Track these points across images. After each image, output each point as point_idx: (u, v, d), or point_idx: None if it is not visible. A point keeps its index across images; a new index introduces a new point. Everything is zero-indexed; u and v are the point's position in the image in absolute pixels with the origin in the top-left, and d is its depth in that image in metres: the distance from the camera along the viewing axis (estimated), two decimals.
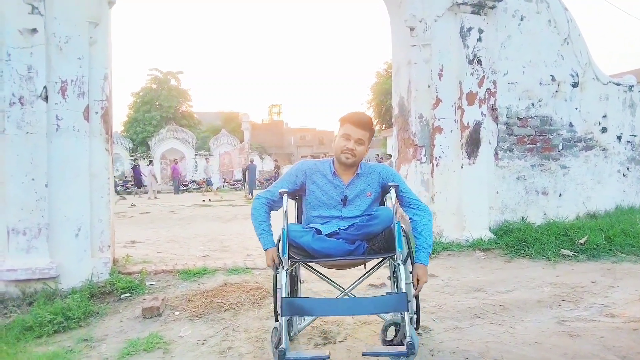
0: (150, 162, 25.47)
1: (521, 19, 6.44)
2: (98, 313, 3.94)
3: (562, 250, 5.51)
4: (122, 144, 30.15)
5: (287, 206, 2.76)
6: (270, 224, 2.99)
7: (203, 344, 3.25)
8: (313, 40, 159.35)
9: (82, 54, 4.45)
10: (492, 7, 6.13)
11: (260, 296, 4.17)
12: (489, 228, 6.13)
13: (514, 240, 5.80)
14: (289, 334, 2.64)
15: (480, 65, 6.08)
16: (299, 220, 3.17)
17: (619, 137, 7.13)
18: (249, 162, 21.96)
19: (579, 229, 5.93)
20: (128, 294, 4.29)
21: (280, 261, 2.73)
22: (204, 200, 18.63)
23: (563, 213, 6.61)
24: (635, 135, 7.25)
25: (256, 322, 3.60)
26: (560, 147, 6.75)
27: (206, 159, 29.16)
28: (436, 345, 2.95)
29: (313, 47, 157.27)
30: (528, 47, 6.49)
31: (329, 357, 2.36)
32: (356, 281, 2.96)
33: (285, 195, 2.81)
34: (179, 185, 26.67)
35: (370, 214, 2.82)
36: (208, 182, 26.50)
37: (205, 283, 4.62)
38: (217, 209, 14.91)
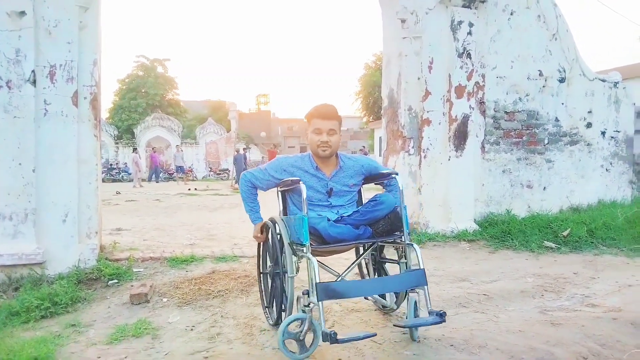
0: (135, 149, 25.16)
1: (511, 14, 6.50)
2: (85, 299, 3.94)
3: (545, 242, 5.62)
4: (107, 131, 29.79)
5: (305, 194, 2.79)
6: (257, 203, 3.29)
7: (192, 329, 3.27)
8: (302, 31, 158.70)
9: (72, 39, 4.40)
10: (483, 1, 6.17)
11: (248, 284, 4.19)
12: (474, 220, 6.22)
13: (499, 232, 5.90)
14: (300, 334, 2.66)
15: (470, 58, 6.12)
16: (285, 212, 3.24)
17: (603, 133, 7.25)
18: (236, 152, 21.85)
19: (562, 221, 6.05)
20: (115, 281, 4.29)
21: (266, 237, 3.15)
22: (189, 189, 18.54)
23: (547, 206, 6.72)
24: (619, 131, 7.37)
25: (244, 309, 3.63)
26: (546, 142, 6.85)
27: (177, 147, 28.13)
28: (422, 333, 3.00)
29: (302, 37, 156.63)
30: (517, 42, 6.55)
31: (376, 334, 2.67)
32: (350, 266, 3.16)
33: (302, 184, 2.82)
34: (159, 174, 26.19)
35: (375, 200, 2.96)
36: (180, 170, 25.84)
37: (193, 270, 4.64)
38: (203, 197, 14.85)
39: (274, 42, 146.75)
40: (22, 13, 4.20)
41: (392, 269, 3.37)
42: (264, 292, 3.44)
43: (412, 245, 2.89)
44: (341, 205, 3.12)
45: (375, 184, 3.38)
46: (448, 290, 4.08)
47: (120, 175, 27.52)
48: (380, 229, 2.92)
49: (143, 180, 22.88)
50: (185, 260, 4.88)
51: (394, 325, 2.99)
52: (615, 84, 7.32)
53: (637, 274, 4.53)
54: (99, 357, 2.86)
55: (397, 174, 3.15)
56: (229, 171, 26.99)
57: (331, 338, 2.36)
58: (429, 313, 2.71)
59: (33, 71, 4.25)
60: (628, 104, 7.42)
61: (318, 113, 3.10)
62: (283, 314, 2.95)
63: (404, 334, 3.02)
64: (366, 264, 3.61)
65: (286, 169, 3.13)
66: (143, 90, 38.90)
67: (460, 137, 6.12)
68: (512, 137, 6.66)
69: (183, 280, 4.33)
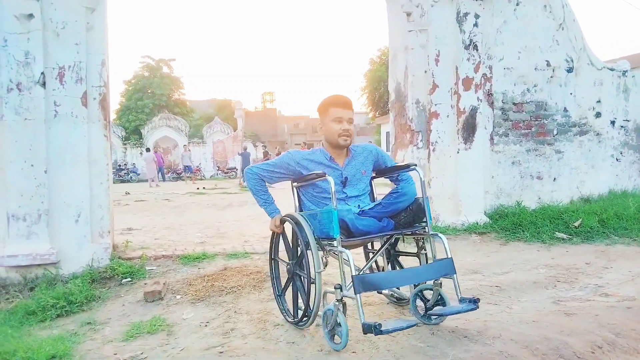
0: (148, 149, 25.26)
1: (517, 4, 6.46)
2: (100, 297, 3.98)
3: (556, 233, 5.60)
4: (114, 132, 29.90)
5: (334, 186, 2.76)
6: (270, 194, 3.25)
7: (206, 325, 3.30)
8: (306, 28, 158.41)
9: (79, 40, 4.44)
10: None
11: (261, 279, 4.22)
12: (485, 212, 6.20)
13: (509, 224, 5.88)
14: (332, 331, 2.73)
15: (477, 50, 6.10)
16: (300, 208, 3.24)
17: (613, 122, 7.19)
18: (243, 150, 21.90)
19: (573, 212, 6.02)
20: (129, 279, 4.33)
21: (283, 229, 3.16)
22: (198, 188, 18.61)
23: (557, 197, 6.69)
24: (628, 120, 7.31)
25: (257, 305, 3.65)
26: (555, 132, 6.81)
27: (184, 146, 28.39)
28: (436, 325, 3.01)
29: (306, 34, 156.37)
30: (524, 33, 6.51)
31: (418, 324, 2.76)
32: (371, 258, 3.22)
33: (329, 177, 2.79)
34: (163, 174, 26.29)
35: (397, 192, 2.98)
36: (188, 169, 26.11)
37: (205, 267, 4.66)
38: (212, 196, 14.91)
39: (279, 40, 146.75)
40: (30, 16, 4.24)
41: (404, 262, 3.42)
42: (274, 280, 3.43)
43: (437, 235, 2.91)
44: (356, 196, 3.10)
45: (391, 176, 3.33)
46: (460, 282, 4.00)
47: (129, 176, 27.67)
48: (403, 220, 2.92)
49: (152, 180, 22.97)
50: (197, 257, 4.91)
51: (427, 315, 3.00)
52: (624, 72, 7.26)
53: None
54: (116, 354, 2.89)
55: (415, 165, 3.10)
56: (237, 169, 27.05)
57: (375, 329, 2.37)
58: (460, 301, 2.75)
59: (42, 73, 4.29)
60: (637, 92, 7.35)
61: (337, 102, 3.09)
62: (305, 318, 2.97)
63: (417, 325, 3.02)
64: (382, 258, 3.56)
65: (300, 161, 3.11)
66: (149, 91, 39.04)
67: (468, 129, 6.10)
68: (520, 129, 6.63)
69: (196, 277, 4.36)
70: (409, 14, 6.03)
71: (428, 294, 3.04)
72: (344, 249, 2.65)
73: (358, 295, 2.52)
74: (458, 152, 6.08)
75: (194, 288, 4.06)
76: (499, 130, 6.50)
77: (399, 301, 3.46)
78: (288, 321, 3.18)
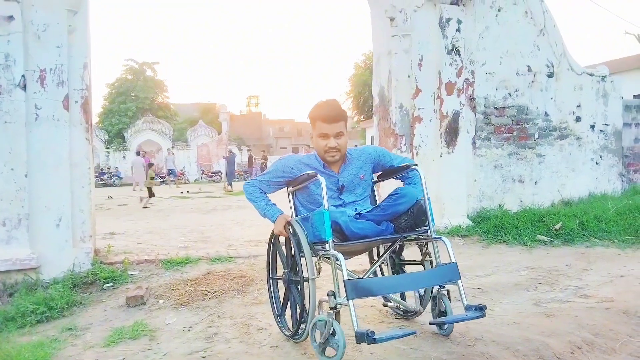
0: (137, 153, 25.04)
1: (499, 10, 6.55)
2: (81, 303, 3.94)
3: (537, 235, 5.66)
4: (97, 136, 29.63)
5: (325, 186, 2.61)
6: (269, 199, 3.04)
7: (189, 330, 3.28)
8: (291, 32, 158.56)
9: (61, 43, 4.40)
10: None
11: (244, 283, 4.21)
12: (467, 215, 6.26)
13: (492, 226, 5.94)
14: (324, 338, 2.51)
15: (459, 55, 6.17)
16: (296, 215, 3.07)
17: (592, 127, 7.32)
18: (228, 153, 21.82)
19: (554, 215, 6.10)
20: (111, 284, 4.29)
21: (292, 232, 2.79)
22: (182, 192, 18.50)
23: (539, 200, 6.78)
24: (607, 125, 7.45)
25: (241, 309, 3.64)
26: (536, 136, 6.91)
27: (167, 150, 28.32)
28: (419, 327, 3.03)
29: (291, 38, 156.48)
30: (505, 38, 6.61)
31: (416, 333, 2.63)
32: (373, 265, 3.00)
33: (321, 177, 2.64)
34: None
35: (397, 194, 2.79)
36: (171, 173, 26.04)
37: (188, 272, 4.64)
38: (196, 200, 14.84)
39: (264, 44, 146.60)
40: (11, 17, 4.19)
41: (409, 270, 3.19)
42: (274, 300, 3.20)
43: (440, 238, 2.72)
44: (354, 202, 2.94)
45: (398, 178, 3.14)
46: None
47: (112, 180, 27.41)
48: (403, 224, 2.75)
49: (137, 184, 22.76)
50: (181, 262, 4.88)
51: (430, 324, 2.83)
52: (603, 77, 7.39)
53: (629, 264, 4.59)
54: None
55: (416, 165, 2.94)
56: (221, 173, 26.96)
57: (368, 338, 2.20)
58: (466, 308, 2.56)
59: (23, 76, 4.24)
60: (616, 97, 7.50)
61: (322, 116, 2.87)
62: (303, 325, 2.76)
63: (415, 335, 3.04)
64: (385, 266, 3.34)
65: (294, 166, 2.96)
66: (133, 94, 38.76)
67: (451, 133, 6.16)
68: (502, 133, 6.72)
69: (179, 281, 4.33)
70: (392, 19, 6.08)
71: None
72: (335, 252, 2.49)
73: (351, 301, 2.34)
74: (441, 156, 6.13)
75: (177, 293, 4.04)
76: (481, 135, 6.57)
77: (405, 314, 3.22)
78: (286, 335, 2.98)
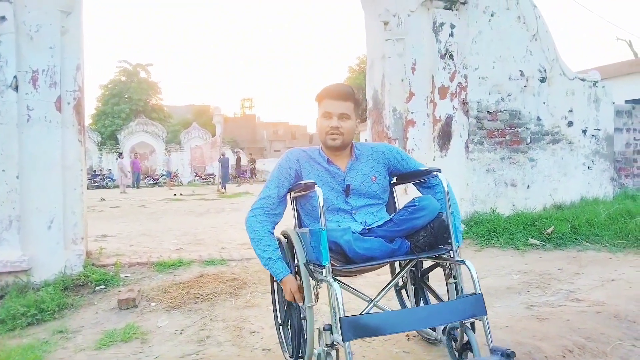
0: (120, 154, 24.98)
1: (492, 15, 6.59)
2: (72, 305, 3.91)
3: (530, 239, 5.69)
4: (90, 138, 29.48)
5: (322, 200, 2.18)
6: (277, 247, 2.48)
7: (181, 333, 3.27)
8: (286, 34, 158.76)
9: (54, 44, 4.37)
10: (464, 3, 6.26)
11: (237, 286, 4.20)
12: (460, 219, 6.27)
13: (484, 230, 5.96)
14: None
15: (452, 59, 6.20)
16: (299, 224, 2.61)
17: (584, 131, 7.37)
18: (221, 156, 21.78)
19: (546, 219, 6.13)
20: (103, 286, 4.26)
21: (302, 295, 2.32)
22: (175, 195, 18.43)
23: (531, 204, 6.82)
24: (599, 130, 7.51)
25: (233, 312, 3.63)
26: (529, 141, 6.95)
27: (168, 152, 28.72)
28: (423, 337, 3.02)
29: (286, 40, 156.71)
30: (498, 43, 6.65)
31: None
32: (384, 288, 2.48)
33: (318, 188, 2.22)
34: (139, 180, 26.14)
35: (414, 205, 2.34)
36: (168, 174, 26.38)
37: (181, 275, 4.62)
38: (189, 202, 14.78)
39: (258, 46, 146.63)
40: (3, 18, 4.16)
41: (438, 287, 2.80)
42: (284, 343, 2.76)
43: (464, 262, 2.30)
44: (365, 206, 2.50)
45: (416, 183, 2.68)
46: (435, 289, 4.10)
47: (105, 182, 27.27)
48: (421, 241, 2.31)
49: (128, 186, 22.69)
50: (173, 264, 4.86)
51: None
52: (595, 83, 7.46)
53: (620, 268, 4.62)
54: None
55: (439, 170, 2.47)
56: (215, 176, 26.92)
57: None
58: (491, 351, 2.13)
59: (15, 77, 4.21)
60: (607, 102, 7.57)
61: (328, 93, 2.48)
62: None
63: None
64: (405, 284, 2.99)
65: (298, 158, 2.53)
66: (126, 96, 38.63)
67: (444, 137, 6.19)
68: (495, 137, 6.75)
69: (171, 284, 4.31)
70: (386, 23, 6.10)
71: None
72: (331, 280, 2.10)
73: (347, 343, 1.98)
74: (434, 160, 6.15)
75: (169, 295, 4.02)
76: (474, 139, 6.60)
77: (427, 338, 2.89)
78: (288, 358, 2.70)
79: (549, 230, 5.79)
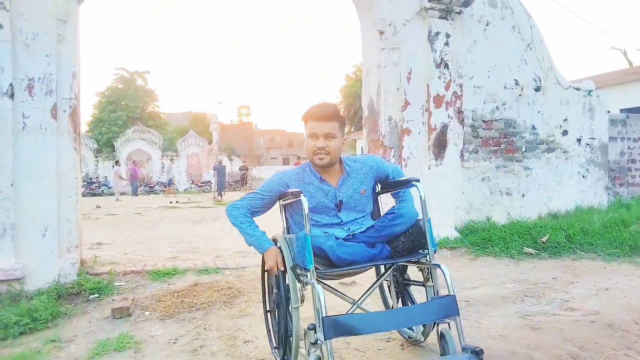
0: (117, 162, 24.94)
1: (487, 25, 6.64)
2: (66, 314, 3.88)
3: (525, 248, 5.70)
4: (86, 145, 29.42)
5: (307, 207, 2.36)
6: (257, 226, 2.70)
7: (174, 343, 3.25)
8: (283, 42, 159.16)
9: (50, 52, 4.38)
10: (459, 13, 6.30)
11: (232, 295, 4.18)
12: (455, 227, 6.29)
13: (479, 239, 5.97)
14: None
15: (447, 69, 6.23)
16: (288, 231, 2.81)
17: (579, 140, 7.41)
18: (218, 163, 21.79)
19: (541, 228, 6.14)
20: (96, 295, 4.24)
21: (284, 265, 2.51)
22: (171, 202, 18.40)
23: (526, 213, 6.83)
24: (594, 138, 7.55)
25: (228, 321, 3.61)
26: (524, 149, 6.98)
27: (170, 159, 28.95)
28: (404, 339, 3.03)
29: (283, 48, 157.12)
30: (493, 52, 6.69)
31: None
32: (367, 290, 2.67)
33: (303, 196, 2.39)
34: (138, 187, 26.11)
35: (393, 213, 2.55)
36: (167, 183, 26.56)
37: (175, 283, 4.60)
38: (185, 210, 14.75)
39: (256, 54, 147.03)
40: None
41: (416, 290, 2.90)
42: (271, 332, 2.91)
43: (438, 266, 2.48)
44: (354, 220, 2.68)
45: (393, 193, 2.88)
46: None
47: (101, 190, 27.20)
48: (401, 246, 2.52)
49: (122, 194, 22.64)
50: (167, 273, 4.84)
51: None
52: (589, 92, 7.50)
53: (614, 277, 4.63)
54: None
55: (418, 180, 2.63)
56: (211, 183, 26.93)
57: None
58: (463, 349, 2.29)
59: (11, 84, 4.22)
60: (602, 111, 7.61)
61: (313, 114, 2.62)
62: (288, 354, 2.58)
63: (387, 341, 3.04)
64: (388, 286, 3.14)
65: (289, 183, 2.68)
66: (123, 103, 38.61)
67: (439, 146, 6.21)
68: (490, 146, 6.78)
69: (165, 293, 4.29)
70: (381, 33, 6.14)
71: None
72: (315, 283, 2.24)
73: (328, 341, 2.11)
74: (429, 168, 6.17)
75: (164, 304, 4.00)
76: (469, 147, 6.63)
77: (409, 339, 2.99)
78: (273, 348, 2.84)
79: (544, 239, 5.80)
